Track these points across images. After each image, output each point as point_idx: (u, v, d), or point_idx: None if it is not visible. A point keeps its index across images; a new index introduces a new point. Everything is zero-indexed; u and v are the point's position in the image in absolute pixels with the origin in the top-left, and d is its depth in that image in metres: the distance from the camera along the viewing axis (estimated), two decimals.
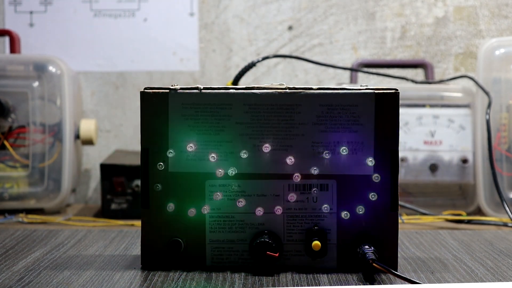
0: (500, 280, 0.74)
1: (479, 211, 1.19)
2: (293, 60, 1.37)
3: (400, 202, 0.84)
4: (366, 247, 0.75)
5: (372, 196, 0.76)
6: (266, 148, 0.76)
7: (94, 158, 1.38)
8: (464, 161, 1.19)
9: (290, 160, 0.76)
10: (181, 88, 0.77)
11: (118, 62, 1.37)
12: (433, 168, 1.19)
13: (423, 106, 1.21)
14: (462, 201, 1.22)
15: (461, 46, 1.36)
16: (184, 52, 1.37)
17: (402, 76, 1.26)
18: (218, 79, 1.37)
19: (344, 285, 0.72)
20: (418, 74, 1.35)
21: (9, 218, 1.10)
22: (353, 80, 1.30)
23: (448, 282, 0.73)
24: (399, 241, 0.78)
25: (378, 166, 0.76)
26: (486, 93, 1.15)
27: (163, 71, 1.38)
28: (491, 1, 1.35)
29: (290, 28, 1.37)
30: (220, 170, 0.77)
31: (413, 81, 1.25)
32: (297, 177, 0.77)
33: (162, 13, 1.37)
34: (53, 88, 1.18)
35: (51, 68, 1.18)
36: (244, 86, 0.77)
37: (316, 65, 1.32)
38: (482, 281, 0.74)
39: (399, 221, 0.80)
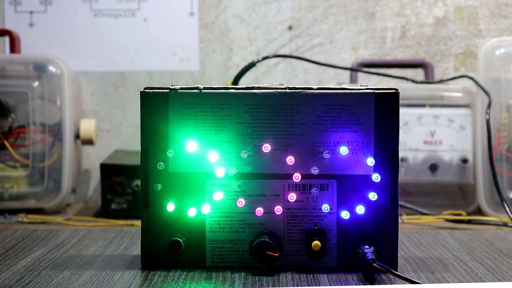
0: (500, 280, 0.74)
1: (479, 211, 1.19)
2: (293, 60, 1.37)
3: (400, 202, 0.84)
4: (366, 247, 0.75)
5: (372, 196, 0.76)
6: (266, 148, 0.76)
7: (94, 158, 1.38)
8: (464, 161, 1.19)
9: (290, 160, 0.76)
10: (181, 88, 0.77)
11: (118, 62, 1.37)
12: (433, 168, 1.19)
13: (423, 106, 1.21)
14: (462, 201, 1.22)
15: (461, 46, 1.36)
16: (184, 52, 1.37)
17: (402, 76, 1.26)
18: (218, 79, 1.37)
19: (344, 285, 0.72)
20: (418, 74, 1.35)
21: (9, 218, 1.10)
22: (353, 80, 1.30)
23: (448, 282, 0.73)
24: (399, 241, 0.78)
25: (378, 166, 0.76)
26: (486, 93, 1.15)
27: (163, 71, 1.38)
28: (491, 1, 1.35)
29: (290, 28, 1.37)
30: (220, 170, 0.77)
31: (413, 81, 1.25)
32: (297, 177, 0.77)
33: (162, 13, 1.37)
34: (53, 88, 1.18)
35: (51, 68, 1.18)
36: (244, 86, 0.77)
37: (316, 65, 1.32)
38: (482, 281, 0.74)
39: (399, 221, 0.80)
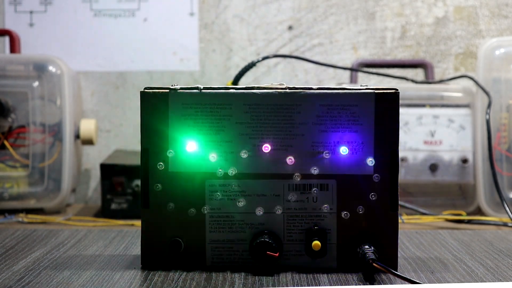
0: (500, 280, 0.74)
1: (479, 211, 1.19)
2: (293, 60, 1.37)
3: (400, 202, 0.84)
4: (366, 247, 0.75)
5: (372, 196, 0.76)
6: (266, 148, 0.76)
7: (94, 158, 1.38)
8: (464, 161, 1.19)
9: (290, 160, 0.76)
10: (181, 88, 0.77)
11: (118, 62, 1.37)
12: (433, 168, 1.19)
13: (423, 106, 1.21)
14: (462, 201, 1.22)
15: (461, 46, 1.36)
16: (184, 52, 1.37)
17: (402, 76, 1.26)
18: (218, 79, 1.37)
19: (344, 285, 0.72)
20: (418, 74, 1.35)
21: (9, 218, 1.10)
22: (353, 80, 1.30)
23: (448, 282, 0.73)
24: (399, 241, 0.78)
25: (378, 166, 0.76)
26: (486, 93, 1.15)
27: (163, 71, 1.38)
28: (491, 1, 1.35)
29: (290, 28, 1.37)
30: (220, 170, 0.77)
31: (413, 81, 1.25)
32: (297, 177, 0.77)
33: (162, 13, 1.37)
34: (53, 88, 1.18)
35: (51, 68, 1.18)
36: (244, 86, 0.77)
37: (316, 65, 1.32)
38: (482, 281, 0.74)
39: (399, 221, 0.80)
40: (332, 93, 0.76)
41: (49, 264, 0.80)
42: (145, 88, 0.77)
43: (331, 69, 1.36)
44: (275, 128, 0.77)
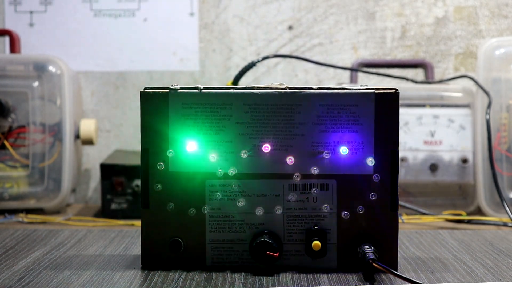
0: (500, 280, 0.74)
1: (479, 211, 1.19)
2: (293, 60, 1.37)
3: (400, 202, 0.84)
4: (366, 247, 0.75)
5: (372, 196, 0.76)
6: (266, 148, 0.76)
7: (94, 158, 1.37)
8: (464, 161, 1.19)
9: (290, 160, 0.76)
10: (181, 88, 0.77)
11: (118, 62, 1.37)
12: (433, 168, 1.19)
13: (423, 106, 1.21)
14: (462, 201, 1.22)
15: (461, 46, 1.36)
16: (184, 52, 1.37)
17: (402, 76, 1.26)
18: (218, 79, 1.37)
19: (344, 285, 0.72)
20: (418, 74, 1.35)
21: (9, 218, 1.10)
22: (353, 80, 1.30)
23: (448, 282, 0.73)
24: (399, 241, 0.78)
25: (378, 166, 0.76)
26: (486, 93, 1.15)
27: (163, 71, 1.38)
28: (491, 1, 1.35)
29: (290, 28, 1.37)
30: (220, 170, 0.77)
31: (413, 81, 1.25)
32: (297, 177, 0.77)
33: (162, 13, 1.37)
34: (53, 88, 1.18)
35: (51, 68, 1.18)
36: (244, 86, 0.77)
37: (316, 65, 1.32)
38: (482, 281, 0.74)
39: (399, 221, 0.80)
40: (332, 93, 0.76)
41: (49, 264, 0.80)
42: (145, 88, 0.77)
43: (331, 69, 1.36)
44: (275, 128, 0.77)
